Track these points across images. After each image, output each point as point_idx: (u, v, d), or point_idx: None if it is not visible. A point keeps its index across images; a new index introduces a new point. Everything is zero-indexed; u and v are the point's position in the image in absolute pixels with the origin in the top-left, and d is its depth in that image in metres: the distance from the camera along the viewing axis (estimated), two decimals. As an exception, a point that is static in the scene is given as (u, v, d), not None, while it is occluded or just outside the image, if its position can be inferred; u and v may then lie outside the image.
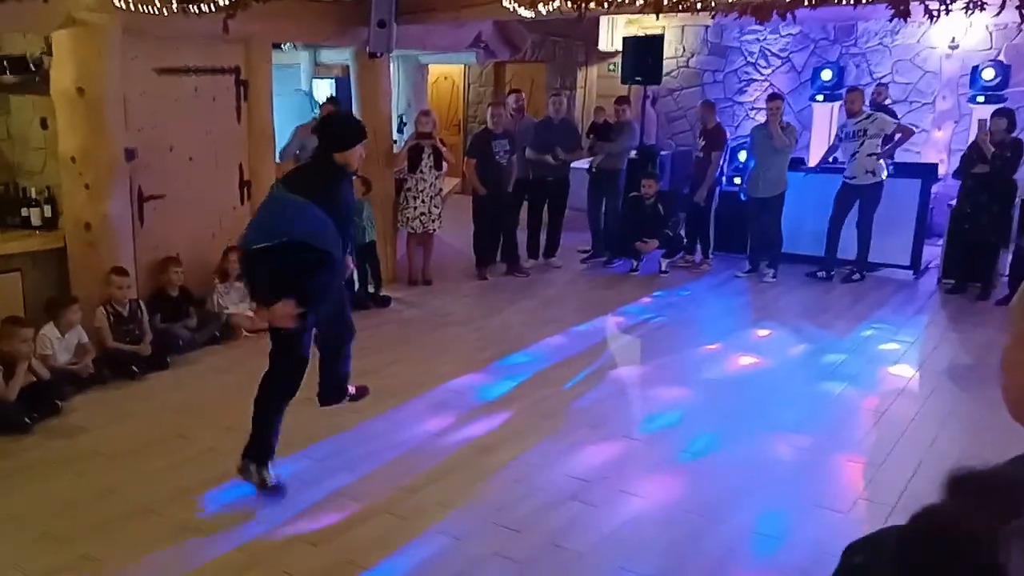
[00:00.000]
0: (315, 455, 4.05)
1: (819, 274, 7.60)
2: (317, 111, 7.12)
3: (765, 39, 10.13)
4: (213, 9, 4.94)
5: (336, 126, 3.69)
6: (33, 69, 5.36)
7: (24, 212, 5.41)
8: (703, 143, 7.97)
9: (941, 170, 8.54)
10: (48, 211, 5.41)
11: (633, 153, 8.34)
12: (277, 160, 6.69)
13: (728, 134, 8.39)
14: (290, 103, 7.79)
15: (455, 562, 3.17)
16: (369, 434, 4.30)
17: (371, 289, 6.88)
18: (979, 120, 7.22)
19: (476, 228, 7.76)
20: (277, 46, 7.69)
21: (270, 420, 3.63)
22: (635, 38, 8.70)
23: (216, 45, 5.89)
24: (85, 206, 5.20)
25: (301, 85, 8.90)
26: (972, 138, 7.31)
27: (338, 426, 4.39)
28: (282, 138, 6.66)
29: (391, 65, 7.69)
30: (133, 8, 4.93)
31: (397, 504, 3.59)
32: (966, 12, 4.32)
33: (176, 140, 5.85)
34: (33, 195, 5.44)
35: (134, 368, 5.03)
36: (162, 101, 5.71)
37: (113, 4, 4.90)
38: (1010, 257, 7.02)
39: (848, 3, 4.66)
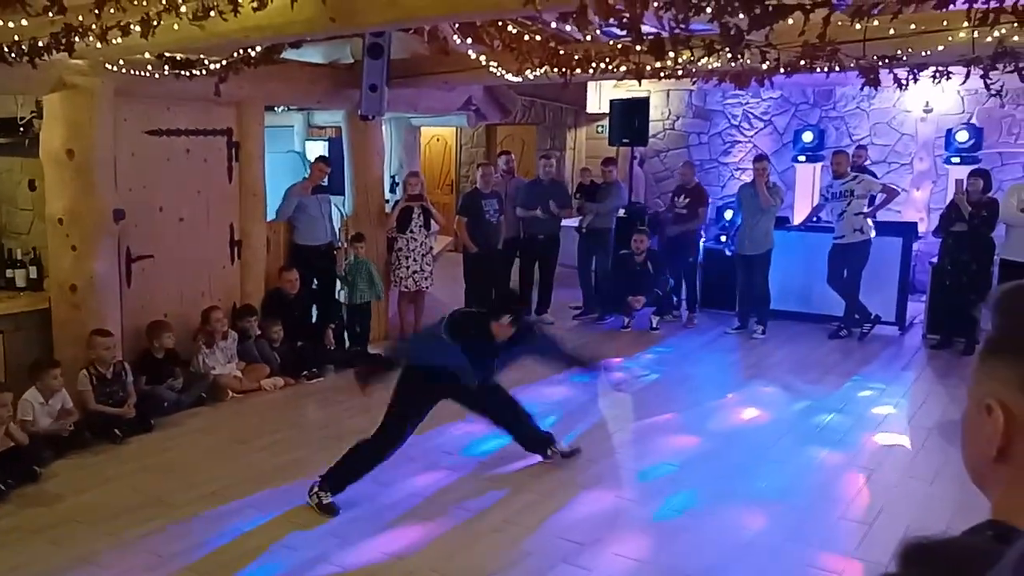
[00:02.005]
0: (302, 520, 3.95)
1: (841, 333, 7.60)
2: (309, 171, 7.19)
3: (747, 103, 10.38)
4: (204, 73, 5.02)
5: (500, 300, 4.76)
6: (22, 131, 5.41)
7: (9, 273, 5.38)
8: (687, 200, 8.10)
9: (921, 228, 8.67)
10: (33, 272, 5.38)
11: (622, 212, 8.44)
12: (275, 219, 6.73)
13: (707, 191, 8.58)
14: (283, 164, 7.86)
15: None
16: (357, 496, 4.20)
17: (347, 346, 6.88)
18: (956, 180, 7.37)
19: (468, 285, 7.78)
20: (270, 108, 7.81)
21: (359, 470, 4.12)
22: (621, 101, 8.89)
23: (208, 107, 5.97)
24: (71, 267, 5.17)
25: (294, 146, 9.01)
26: (950, 198, 7.45)
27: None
28: (272, 197, 6.70)
29: (383, 127, 7.81)
30: (125, 71, 5.01)
31: (387, 571, 3.49)
32: (933, 81, 4.47)
33: (166, 200, 5.87)
34: (19, 256, 5.42)
35: (116, 431, 4.94)
36: (153, 162, 5.75)
37: (104, 67, 4.98)
38: (993, 313, 7.07)
39: (821, 71, 4.80)
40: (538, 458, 4.73)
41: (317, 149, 8.93)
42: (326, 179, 7.01)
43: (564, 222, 8.35)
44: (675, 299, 8.21)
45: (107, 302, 5.30)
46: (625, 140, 8.62)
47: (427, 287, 7.41)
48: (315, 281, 6.90)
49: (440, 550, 3.68)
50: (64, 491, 4.27)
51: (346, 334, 6.97)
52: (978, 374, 0.89)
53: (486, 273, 7.67)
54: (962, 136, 8.60)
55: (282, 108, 8.65)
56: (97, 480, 4.42)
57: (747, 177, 8.57)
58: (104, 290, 5.28)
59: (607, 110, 9.34)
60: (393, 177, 8.49)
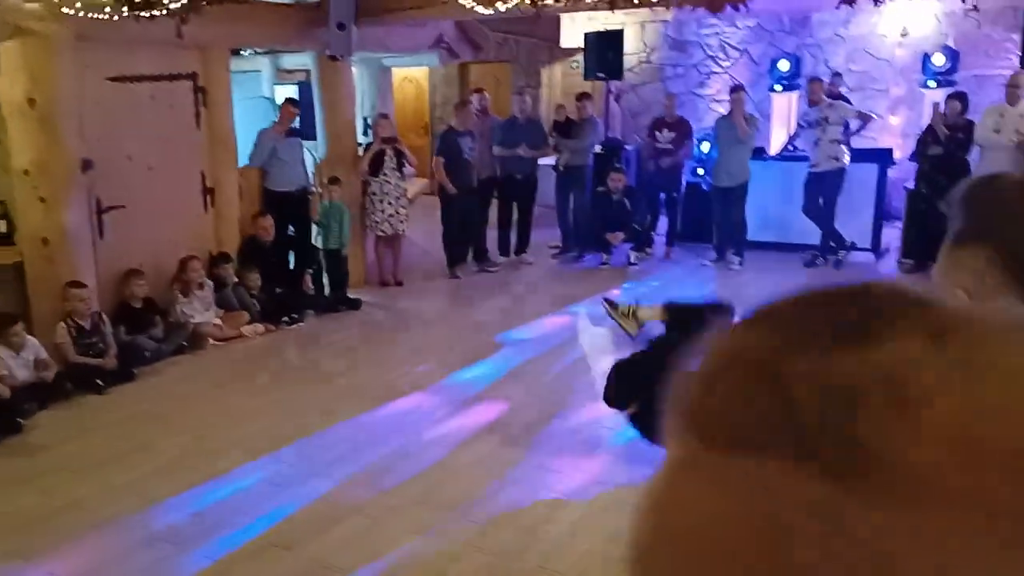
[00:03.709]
0: (286, 459, 4.01)
1: (817, 261, 7.68)
2: (278, 115, 7.05)
3: (723, 32, 10.24)
4: (165, 13, 4.88)
5: None
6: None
7: (-21, 228, 5.29)
8: (672, 135, 8.04)
9: (897, 154, 8.69)
10: (3, 227, 5.30)
11: (599, 148, 8.38)
12: (250, 165, 6.65)
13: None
14: (252, 109, 7.72)
15: (431, 561, 3.16)
16: (341, 436, 4.27)
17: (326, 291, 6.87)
18: (933, 103, 7.36)
19: (446, 227, 7.75)
20: (237, 52, 7.62)
21: None
22: (596, 34, 8.74)
23: (172, 51, 5.82)
24: (42, 220, 5.09)
25: (263, 91, 8.83)
26: (926, 122, 7.45)
27: (309, 428, 4.35)
28: (243, 144, 6.60)
29: (354, 68, 7.65)
30: (82, 15, 4.85)
31: (371, 506, 3.56)
32: (910, -2, 4.42)
33: (134, 149, 5.76)
34: (-13, 210, 5.33)
35: (99, 382, 4.94)
36: (118, 110, 5.63)
37: (62, 12, 4.82)
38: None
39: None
40: (521, 390, 4.81)
41: (287, 94, 8.75)
42: (297, 122, 6.90)
43: (541, 161, 8.29)
44: (652, 234, 8.23)
45: (80, 254, 5.25)
46: (600, 74, 8.51)
47: (403, 231, 7.38)
48: (290, 227, 6.85)
49: (423, 483, 3.75)
50: (49, 441, 4.29)
51: (325, 279, 6.95)
52: (943, 266, 0.90)
53: (465, 214, 7.63)
54: (939, 59, 8.54)
55: (249, 52, 8.45)
56: (81, 430, 4.45)
57: (724, 109, 8.51)
58: (76, 242, 5.21)
59: (582, 45, 9.19)
60: (365, 119, 8.37)
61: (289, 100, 7.00)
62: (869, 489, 0.23)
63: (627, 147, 9.24)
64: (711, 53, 10.39)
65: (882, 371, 0.24)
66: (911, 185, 7.44)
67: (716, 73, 10.39)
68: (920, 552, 0.22)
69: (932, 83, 8.57)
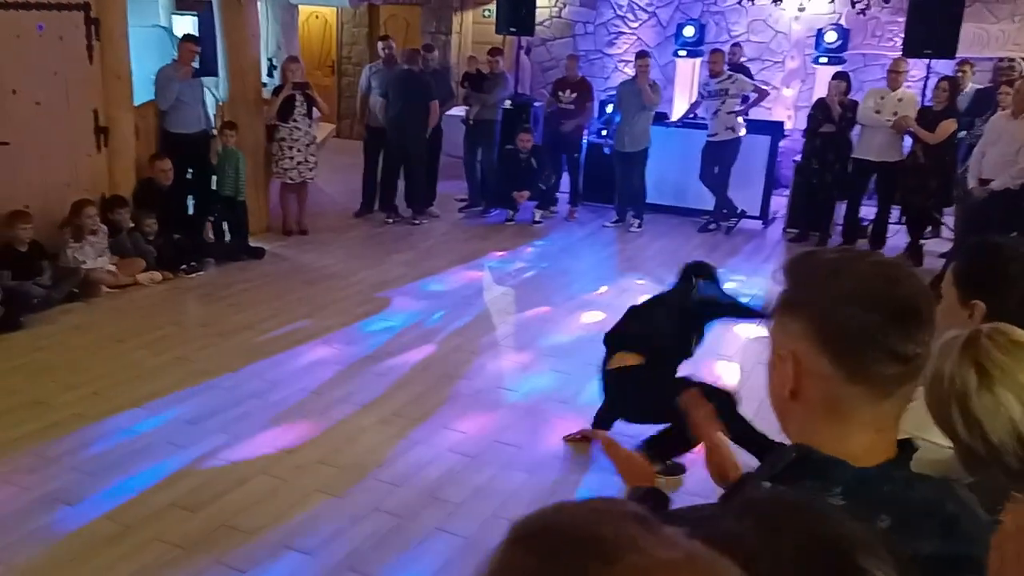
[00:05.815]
0: (187, 416, 4.01)
1: (711, 226, 8.03)
2: (177, 52, 6.72)
3: (634, -9, 10.36)
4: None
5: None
6: None
7: None
8: (574, 95, 8.17)
9: (788, 126, 9.15)
10: None
11: (508, 104, 8.43)
12: (160, 107, 6.36)
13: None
14: (148, 41, 7.30)
15: (336, 520, 3.26)
16: (243, 393, 4.28)
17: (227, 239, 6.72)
18: (830, 81, 7.77)
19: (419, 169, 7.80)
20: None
21: None
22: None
23: (60, -22, 5.45)
24: (-86, 155, 4.76)
25: (160, 20, 8.33)
26: (819, 97, 7.85)
27: (210, 385, 4.34)
28: (138, 79, 6.27)
29: (259, 5, 7.34)
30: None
31: (276, 464, 3.63)
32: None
33: (19, 82, 5.41)
34: None
35: (-19, 330, 4.74)
36: (1, 39, 5.25)
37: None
38: (844, 208, 7.69)
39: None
40: (426, 347, 4.94)
41: (185, 25, 8.31)
42: (197, 60, 6.60)
43: (449, 112, 8.27)
44: (555, 194, 8.42)
45: (-41, 194, 4.94)
46: (512, 29, 8.51)
47: (312, 178, 7.28)
48: (190, 170, 6.62)
49: (329, 442, 3.85)
50: (-70, 395, 4.11)
51: (225, 226, 6.78)
52: (775, 329, 1.05)
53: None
54: (830, 36, 8.97)
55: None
56: (-34, 382, 4.27)
57: (631, 70, 8.68)
58: (-46, 181, 4.91)
59: (495, -5, 9.11)
60: (270, 60, 8.09)
61: (189, 37, 6.67)
62: None
63: (536, 103, 9.32)
64: (620, 13, 10.51)
65: None
66: (799, 158, 7.88)
67: (624, 33, 10.53)
68: None
69: (824, 59, 9.01)
